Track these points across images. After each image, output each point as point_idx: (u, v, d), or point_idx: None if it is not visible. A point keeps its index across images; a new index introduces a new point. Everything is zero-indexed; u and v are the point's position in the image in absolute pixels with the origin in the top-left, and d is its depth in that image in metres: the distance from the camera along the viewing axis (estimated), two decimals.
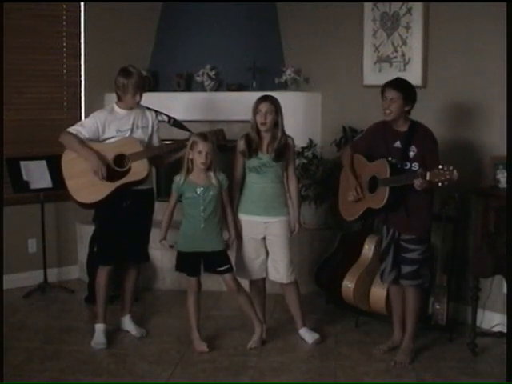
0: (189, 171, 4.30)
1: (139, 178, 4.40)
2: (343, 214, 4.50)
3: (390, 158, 4.15)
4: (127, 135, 4.44)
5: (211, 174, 4.28)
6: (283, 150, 4.40)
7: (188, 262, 4.36)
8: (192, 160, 4.27)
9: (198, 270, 4.38)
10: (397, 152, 4.17)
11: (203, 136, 4.27)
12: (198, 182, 4.29)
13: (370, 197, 4.23)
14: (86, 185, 4.38)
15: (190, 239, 4.32)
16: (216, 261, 4.32)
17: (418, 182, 3.93)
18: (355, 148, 4.44)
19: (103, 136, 4.42)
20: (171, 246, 4.39)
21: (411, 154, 4.13)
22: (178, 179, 4.31)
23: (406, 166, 4.14)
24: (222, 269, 4.32)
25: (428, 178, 3.88)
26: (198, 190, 4.27)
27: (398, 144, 4.19)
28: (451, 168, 3.81)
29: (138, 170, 4.38)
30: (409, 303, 4.28)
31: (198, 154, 4.23)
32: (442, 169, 3.83)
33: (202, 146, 4.22)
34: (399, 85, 4.18)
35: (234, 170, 4.46)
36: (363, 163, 4.33)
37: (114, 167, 4.38)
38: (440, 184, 3.86)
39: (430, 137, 4.18)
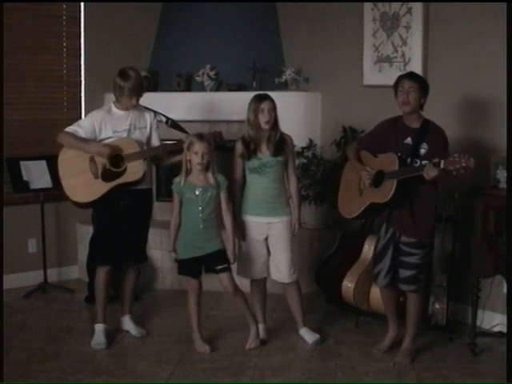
0: (188, 172, 4.29)
1: (135, 178, 4.40)
2: (342, 211, 4.41)
3: (399, 154, 4.07)
4: (124, 136, 4.44)
5: (210, 174, 4.28)
6: (281, 145, 4.40)
7: (190, 266, 4.36)
8: (190, 161, 4.27)
9: (200, 271, 4.38)
10: (407, 148, 4.09)
11: (199, 136, 4.27)
12: (196, 183, 4.28)
13: (375, 191, 4.14)
14: (82, 184, 4.39)
15: (190, 244, 4.31)
16: (214, 260, 4.31)
17: (429, 170, 3.82)
18: (361, 144, 4.37)
19: (100, 136, 4.42)
20: (176, 260, 4.41)
21: (422, 151, 4.05)
22: (178, 181, 4.31)
23: (416, 163, 4.05)
24: (219, 267, 4.31)
25: (442, 166, 3.77)
26: (197, 191, 4.27)
27: (408, 140, 4.10)
28: (467, 156, 3.73)
29: (134, 170, 4.38)
30: (410, 308, 4.25)
31: (195, 154, 4.23)
32: (458, 156, 3.75)
33: (198, 147, 4.22)
34: (415, 75, 4.19)
35: (233, 173, 4.45)
36: (369, 158, 4.25)
37: (110, 167, 4.39)
38: (455, 173, 3.76)
39: (443, 136, 4.11)
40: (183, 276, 4.45)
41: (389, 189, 4.03)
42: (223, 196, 4.33)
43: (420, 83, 4.12)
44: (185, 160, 4.29)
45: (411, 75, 4.18)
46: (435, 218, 4.21)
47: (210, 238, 4.31)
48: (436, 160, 3.83)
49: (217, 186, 4.29)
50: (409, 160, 4.06)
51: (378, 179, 4.13)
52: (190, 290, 4.43)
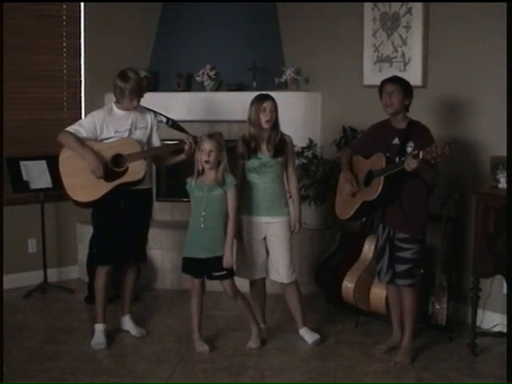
0: (200, 172, 4.28)
1: (136, 178, 4.40)
2: (338, 213, 4.51)
3: (388, 155, 4.17)
4: (125, 135, 4.44)
5: (219, 173, 4.24)
6: (281, 146, 4.41)
7: (192, 266, 4.35)
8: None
9: (202, 273, 4.37)
10: (395, 148, 4.19)
11: (209, 135, 4.28)
12: (205, 182, 4.28)
13: (365, 190, 4.25)
14: (83, 184, 4.38)
15: (193, 243, 4.30)
16: (214, 265, 4.30)
17: (409, 162, 3.93)
18: (354, 149, 4.47)
19: (101, 136, 4.42)
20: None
21: (409, 149, 4.14)
22: (190, 180, 4.31)
23: None
24: (217, 274, 4.31)
25: (421, 156, 3.90)
26: (204, 189, 4.27)
27: (396, 141, 4.21)
28: (442, 144, 3.84)
29: (136, 170, 4.38)
30: (405, 303, 4.29)
31: (201, 152, 4.24)
32: (435, 146, 3.88)
33: (205, 144, 4.23)
34: (397, 79, 4.28)
35: (236, 173, 4.45)
36: (361, 161, 4.36)
37: (112, 167, 4.38)
38: (433, 162, 3.92)
39: (428, 134, 4.21)
40: (186, 275, 4.44)
41: (376, 186, 4.14)
42: (229, 195, 4.28)
43: (402, 86, 4.22)
44: (196, 160, 4.28)
45: (394, 79, 4.28)
46: (427, 214, 4.26)
47: (211, 239, 4.28)
48: (415, 152, 3.96)
49: (223, 185, 4.28)
50: (397, 159, 4.15)
51: (369, 179, 4.23)
52: (192, 290, 4.42)
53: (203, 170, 4.28)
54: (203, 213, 4.27)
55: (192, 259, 4.33)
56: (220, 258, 4.28)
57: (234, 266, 4.41)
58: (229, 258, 4.28)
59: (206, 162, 4.22)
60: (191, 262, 4.34)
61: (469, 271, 4.64)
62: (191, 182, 4.31)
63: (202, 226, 4.28)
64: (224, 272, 4.30)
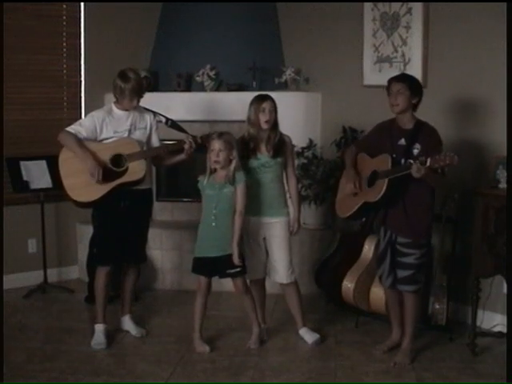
0: (212, 171, 4.28)
1: (136, 178, 4.40)
2: (338, 210, 4.46)
3: (394, 155, 4.11)
4: (125, 135, 4.44)
5: (230, 171, 4.24)
6: (281, 146, 4.41)
7: (203, 265, 4.34)
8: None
9: (211, 272, 4.37)
10: (401, 149, 4.13)
11: (218, 134, 4.27)
12: (217, 180, 4.27)
13: (368, 191, 4.19)
14: (83, 184, 4.38)
15: (204, 242, 4.30)
16: (226, 263, 4.29)
17: (415, 167, 3.87)
18: (359, 146, 4.42)
19: (101, 136, 4.42)
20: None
21: (415, 151, 4.08)
22: (202, 179, 4.31)
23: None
24: (231, 271, 4.31)
25: (428, 163, 3.84)
26: (216, 187, 4.27)
27: (402, 141, 4.14)
28: (452, 154, 3.79)
29: (136, 170, 4.38)
30: (407, 308, 4.26)
31: (212, 151, 4.23)
32: (444, 154, 3.82)
33: (214, 144, 4.23)
34: (404, 77, 4.22)
35: None
36: (366, 160, 4.30)
37: (111, 167, 4.38)
38: (440, 170, 3.86)
39: (436, 136, 4.14)
40: (195, 274, 4.42)
41: (380, 188, 4.08)
42: (237, 190, 4.25)
43: (409, 84, 4.13)
44: (208, 159, 4.28)
45: (400, 77, 4.21)
46: (431, 217, 4.21)
47: (224, 237, 4.27)
48: (423, 158, 3.89)
49: (234, 182, 4.25)
50: (402, 161, 4.09)
51: (372, 179, 4.17)
52: (198, 290, 4.41)
53: (215, 169, 4.28)
54: (214, 211, 4.26)
55: (203, 258, 4.32)
56: (232, 256, 4.28)
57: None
58: (237, 255, 4.28)
59: (216, 161, 4.22)
60: (203, 261, 4.33)
61: (469, 271, 4.64)
62: (203, 181, 4.30)
63: (214, 224, 4.26)
64: (238, 269, 4.30)
